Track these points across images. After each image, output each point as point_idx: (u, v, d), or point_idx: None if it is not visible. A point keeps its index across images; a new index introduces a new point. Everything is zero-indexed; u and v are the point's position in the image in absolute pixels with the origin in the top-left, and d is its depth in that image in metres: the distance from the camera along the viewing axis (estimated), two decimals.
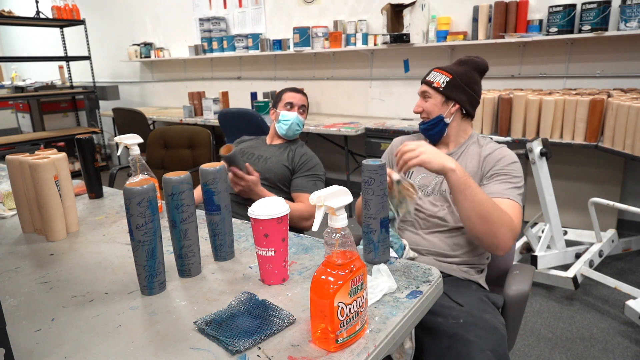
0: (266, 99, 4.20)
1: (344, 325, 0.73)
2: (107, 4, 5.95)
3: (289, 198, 1.93)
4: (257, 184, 1.65)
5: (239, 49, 4.61)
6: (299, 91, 2.00)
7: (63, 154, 1.31)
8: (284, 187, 1.90)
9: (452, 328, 1.12)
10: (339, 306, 0.71)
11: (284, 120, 1.92)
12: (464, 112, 1.44)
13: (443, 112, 1.42)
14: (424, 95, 1.45)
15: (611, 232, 2.69)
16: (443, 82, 1.40)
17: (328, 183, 4.20)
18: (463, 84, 1.41)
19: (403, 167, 1.19)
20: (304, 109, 1.97)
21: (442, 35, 3.44)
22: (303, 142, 2.06)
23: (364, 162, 1.03)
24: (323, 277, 0.72)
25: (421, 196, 1.39)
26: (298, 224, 1.75)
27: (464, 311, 1.16)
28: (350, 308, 0.73)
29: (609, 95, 2.72)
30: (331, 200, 0.76)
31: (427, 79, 1.45)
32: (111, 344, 0.78)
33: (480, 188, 1.21)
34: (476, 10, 3.27)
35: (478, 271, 1.37)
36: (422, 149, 1.17)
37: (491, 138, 1.51)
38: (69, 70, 5.64)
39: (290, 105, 1.94)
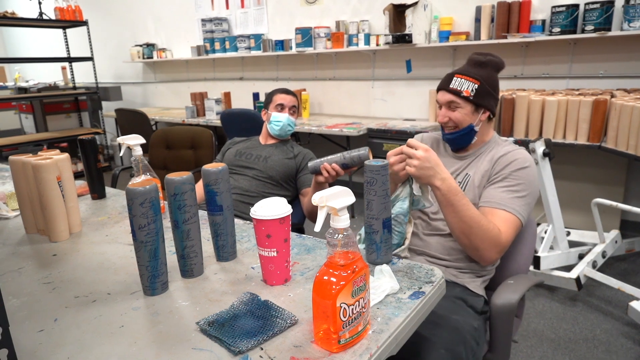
0: None
1: (346, 326, 0.73)
2: (109, 5, 5.96)
3: (293, 195, 1.94)
4: None
5: (241, 49, 4.61)
6: (290, 92, 2.03)
7: (66, 155, 1.32)
8: (286, 185, 1.91)
9: None
10: (341, 307, 0.71)
11: (275, 122, 1.95)
12: (490, 116, 1.39)
13: (473, 121, 1.35)
14: (450, 105, 1.35)
15: (614, 233, 2.68)
16: (472, 90, 1.32)
17: (330, 183, 4.17)
18: (490, 89, 1.34)
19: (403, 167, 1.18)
20: (294, 110, 2.01)
21: (444, 35, 3.43)
22: (295, 142, 2.08)
23: (366, 162, 1.03)
24: (325, 277, 0.72)
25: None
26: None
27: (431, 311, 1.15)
28: (352, 309, 0.73)
29: (612, 96, 2.71)
30: (333, 201, 0.76)
31: (451, 87, 1.34)
32: (114, 345, 0.78)
33: (468, 203, 1.19)
34: (479, 10, 3.27)
35: (471, 276, 1.34)
36: (414, 162, 1.15)
37: (511, 141, 1.45)
38: (72, 71, 5.65)
39: (281, 107, 1.97)
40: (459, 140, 1.40)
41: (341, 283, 0.71)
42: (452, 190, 1.17)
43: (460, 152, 1.44)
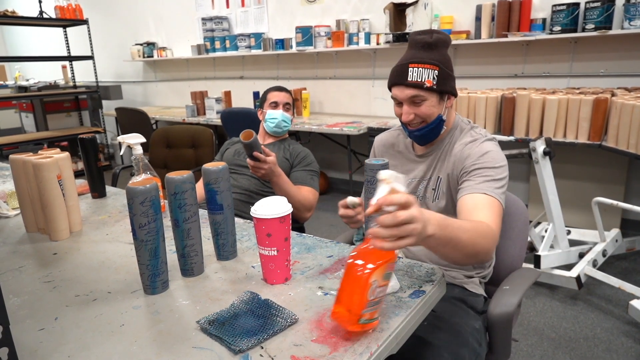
0: None
1: (370, 306, 0.75)
2: (110, 4, 5.96)
3: None
4: (276, 163, 1.65)
5: (241, 48, 4.61)
6: (283, 89, 2.03)
7: (66, 154, 1.32)
8: None
9: (416, 331, 1.07)
10: (372, 284, 0.74)
11: (270, 119, 1.96)
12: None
13: (441, 110, 1.23)
14: (413, 100, 1.21)
15: (615, 232, 2.68)
16: (434, 78, 1.18)
17: (331, 182, 4.21)
18: (448, 70, 1.21)
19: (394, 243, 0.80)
20: (289, 106, 2.00)
21: None
22: (295, 140, 2.07)
23: (367, 161, 1.03)
24: (371, 247, 0.75)
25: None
26: (301, 214, 1.79)
27: (431, 314, 1.11)
28: (379, 291, 0.76)
29: (613, 94, 2.70)
30: (396, 183, 0.78)
31: (410, 80, 1.18)
32: (114, 343, 0.78)
33: (457, 222, 0.97)
34: (479, 9, 3.26)
35: (468, 276, 1.32)
36: (415, 226, 0.77)
37: (472, 126, 1.32)
38: (72, 70, 5.65)
39: (275, 104, 1.98)
40: (428, 135, 1.27)
41: (378, 262, 0.74)
42: (441, 225, 0.87)
43: (427, 147, 1.33)
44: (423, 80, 1.18)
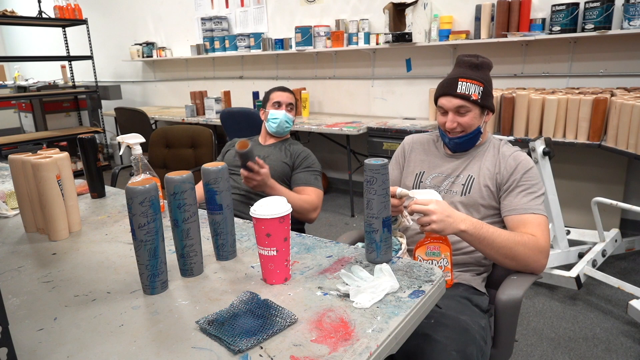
0: None
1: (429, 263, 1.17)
2: (109, 4, 5.95)
3: None
4: (269, 175, 1.64)
5: (240, 48, 4.61)
6: (286, 90, 2.04)
7: (65, 154, 1.31)
8: (283, 184, 1.91)
9: (423, 328, 1.10)
10: (418, 257, 1.19)
11: (272, 119, 1.96)
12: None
13: (480, 123, 1.38)
14: (459, 110, 1.35)
15: (614, 232, 2.68)
16: (479, 93, 1.34)
17: (330, 182, 4.22)
18: (490, 90, 1.38)
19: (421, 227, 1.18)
20: (291, 107, 2.00)
21: (444, 34, 3.43)
22: (296, 140, 2.07)
23: (366, 161, 1.03)
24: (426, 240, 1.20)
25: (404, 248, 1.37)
26: (306, 216, 1.79)
27: (438, 312, 1.16)
28: (426, 262, 1.17)
29: (612, 94, 2.70)
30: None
31: (459, 92, 1.34)
32: (113, 343, 0.78)
33: (495, 229, 1.21)
34: (479, 9, 3.26)
35: (473, 274, 1.36)
36: (433, 217, 1.14)
37: (507, 141, 1.48)
38: (72, 70, 5.65)
39: (278, 104, 1.98)
40: (466, 144, 1.41)
41: (421, 244, 1.21)
42: (476, 225, 1.19)
43: (459, 154, 1.45)
44: (470, 93, 1.33)
